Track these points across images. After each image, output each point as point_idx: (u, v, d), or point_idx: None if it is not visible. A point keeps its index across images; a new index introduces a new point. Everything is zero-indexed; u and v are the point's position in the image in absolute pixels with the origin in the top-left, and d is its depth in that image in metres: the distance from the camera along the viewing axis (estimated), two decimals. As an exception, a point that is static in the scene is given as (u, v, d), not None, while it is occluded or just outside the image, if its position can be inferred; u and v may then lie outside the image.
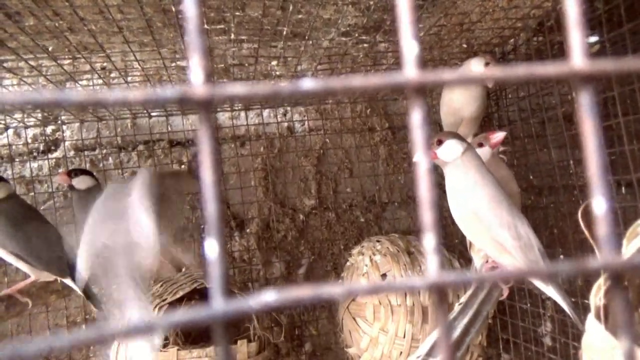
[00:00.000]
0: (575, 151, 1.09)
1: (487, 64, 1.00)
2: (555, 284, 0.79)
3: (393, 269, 1.09)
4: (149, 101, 0.11)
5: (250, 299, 0.11)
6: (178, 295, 1.02)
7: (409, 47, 0.12)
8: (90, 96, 0.11)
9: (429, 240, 0.12)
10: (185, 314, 0.10)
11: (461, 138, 0.84)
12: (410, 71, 0.12)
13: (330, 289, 0.12)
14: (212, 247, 0.11)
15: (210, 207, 0.11)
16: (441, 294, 0.12)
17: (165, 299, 1.01)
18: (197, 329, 1.15)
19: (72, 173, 1.12)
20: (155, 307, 0.99)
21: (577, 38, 0.12)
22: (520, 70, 0.12)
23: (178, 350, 0.97)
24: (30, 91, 0.10)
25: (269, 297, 0.11)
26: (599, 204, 0.12)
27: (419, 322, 1.03)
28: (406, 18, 0.12)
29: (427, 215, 0.12)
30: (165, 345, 1.00)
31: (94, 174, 1.22)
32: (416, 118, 0.12)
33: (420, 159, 0.12)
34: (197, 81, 0.11)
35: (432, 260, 0.12)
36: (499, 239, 0.79)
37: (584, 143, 0.12)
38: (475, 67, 1.02)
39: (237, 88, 0.11)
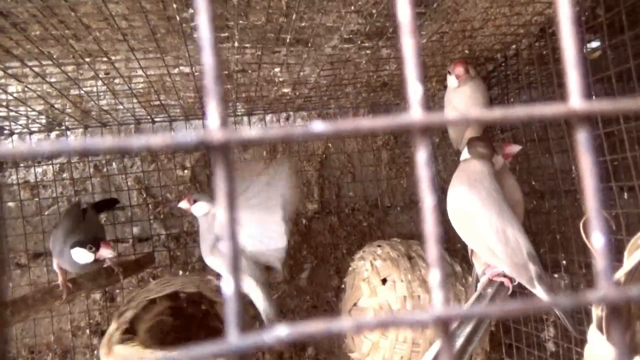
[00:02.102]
0: (577, 155, 1.10)
1: (458, 77, 1.05)
2: (545, 285, 0.80)
3: (393, 273, 1.10)
4: (170, 147, 0.12)
5: (264, 334, 0.11)
6: (164, 293, 1.04)
7: (414, 89, 0.13)
8: (116, 143, 0.11)
9: (434, 275, 0.13)
10: (201, 349, 0.11)
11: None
12: (416, 112, 0.13)
13: (341, 324, 0.12)
14: (228, 284, 0.12)
15: (228, 246, 0.12)
16: (446, 328, 0.12)
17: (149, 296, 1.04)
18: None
19: (193, 200, 1.13)
20: (138, 303, 1.02)
21: (574, 78, 0.13)
22: (519, 111, 0.13)
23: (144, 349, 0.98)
24: (62, 140, 0.11)
25: (281, 332, 0.11)
26: (597, 238, 0.12)
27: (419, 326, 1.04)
28: (411, 60, 0.13)
29: (432, 250, 0.13)
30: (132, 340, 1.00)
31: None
32: (422, 157, 0.13)
33: (427, 196, 0.13)
34: (214, 126, 0.12)
35: (437, 295, 0.13)
36: (487, 241, 0.82)
37: (582, 179, 0.13)
38: (449, 80, 1.07)
39: (252, 132, 0.12)
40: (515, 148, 1.00)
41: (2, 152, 0.11)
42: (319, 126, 0.12)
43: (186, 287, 1.06)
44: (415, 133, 0.13)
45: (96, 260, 1.02)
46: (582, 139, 0.13)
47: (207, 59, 0.12)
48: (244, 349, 0.11)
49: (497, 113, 0.13)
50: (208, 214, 1.12)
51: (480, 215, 0.82)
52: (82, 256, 1.00)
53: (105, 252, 1.01)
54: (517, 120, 0.13)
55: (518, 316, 0.95)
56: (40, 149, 0.11)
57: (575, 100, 0.13)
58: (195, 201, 1.12)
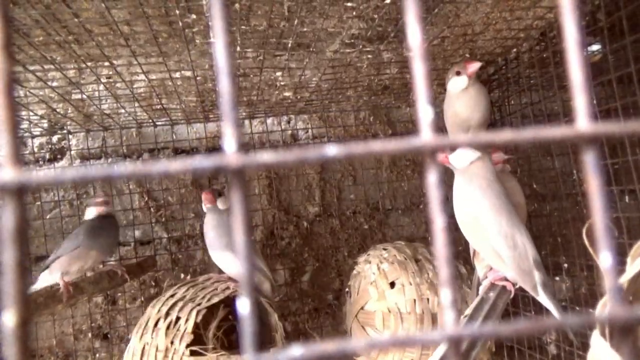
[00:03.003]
0: (578, 158, 1.10)
1: (457, 73, 1.05)
2: (549, 293, 0.80)
3: (401, 276, 1.10)
4: (188, 171, 0.12)
5: (279, 354, 0.12)
6: (213, 301, 1.03)
7: (425, 112, 0.13)
8: (137, 170, 0.12)
9: (446, 295, 0.13)
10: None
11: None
12: (426, 135, 0.13)
13: (355, 344, 0.12)
14: (244, 305, 0.12)
15: (243, 267, 0.12)
16: (457, 348, 0.12)
17: (200, 304, 1.02)
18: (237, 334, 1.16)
19: (217, 193, 1.15)
20: (191, 310, 1.00)
21: (581, 101, 0.13)
22: (529, 133, 0.13)
23: (218, 355, 0.98)
24: (85, 168, 0.11)
25: (295, 351, 0.12)
26: (606, 258, 0.13)
27: (429, 329, 1.04)
28: (421, 85, 0.13)
29: (444, 270, 0.13)
30: (205, 350, 1.00)
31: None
32: (432, 179, 0.13)
33: (437, 217, 0.13)
34: (230, 150, 0.12)
35: (448, 315, 0.13)
36: (495, 246, 0.81)
37: (590, 201, 0.13)
38: (454, 83, 1.06)
39: (267, 156, 0.12)
40: (500, 157, 1.00)
41: (28, 179, 0.11)
42: (332, 150, 0.12)
43: (236, 291, 1.06)
44: (425, 155, 0.13)
45: (100, 217, 1.14)
46: (589, 161, 0.13)
47: (224, 85, 0.12)
48: (261, 369, 0.11)
49: (507, 135, 0.13)
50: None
51: (491, 220, 0.81)
52: (90, 212, 1.15)
53: (98, 208, 1.15)
54: (526, 143, 0.13)
55: (527, 334, 0.95)
56: (65, 177, 0.11)
57: (583, 122, 0.13)
58: (220, 194, 1.13)
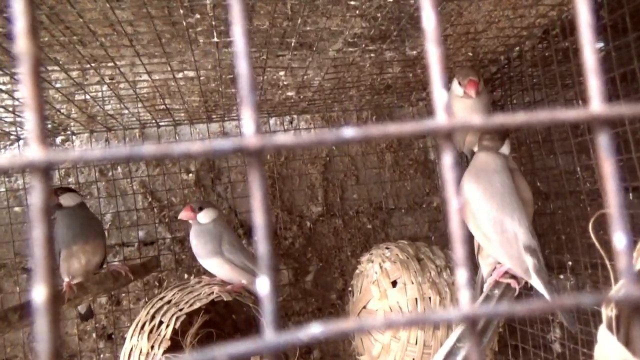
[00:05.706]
0: (581, 156, 1.10)
1: (466, 94, 1.05)
2: (542, 277, 0.81)
3: (403, 275, 1.10)
4: (209, 153, 0.12)
5: (299, 332, 0.12)
6: (195, 307, 1.02)
7: (439, 95, 0.13)
8: (159, 150, 0.12)
9: (461, 275, 0.13)
10: (240, 346, 0.11)
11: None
12: (441, 117, 0.13)
13: (372, 322, 0.13)
14: (264, 284, 0.12)
15: (262, 247, 0.12)
16: (473, 325, 0.13)
17: (182, 309, 1.01)
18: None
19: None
20: (172, 315, 1.00)
21: (594, 84, 0.13)
22: (542, 115, 0.13)
23: None
24: (109, 148, 0.12)
25: (315, 329, 0.12)
26: (619, 239, 0.13)
27: (430, 328, 1.04)
28: (436, 69, 0.13)
29: (459, 250, 0.13)
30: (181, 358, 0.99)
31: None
32: (447, 160, 0.13)
33: (452, 198, 0.13)
34: (249, 132, 0.12)
35: (464, 294, 0.13)
36: (484, 231, 0.84)
37: (603, 182, 0.13)
38: (455, 87, 1.06)
39: (285, 138, 0.12)
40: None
41: (55, 158, 0.11)
42: (349, 132, 0.13)
43: (220, 296, 1.05)
44: (440, 137, 0.13)
45: (59, 206, 1.11)
46: (603, 142, 0.13)
47: (242, 68, 0.12)
48: (281, 347, 0.11)
49: (520, 117, 0.13)
50: (214, 220, 1.13)
51: (481, 206, 0.85)
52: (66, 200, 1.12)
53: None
54: (540, 125, 0.13)
55: (539, 314, 0.97)
56: (90, 156, 0.12)
57: (596, 105, 0.13)
58: (201, 209, 1.12)
